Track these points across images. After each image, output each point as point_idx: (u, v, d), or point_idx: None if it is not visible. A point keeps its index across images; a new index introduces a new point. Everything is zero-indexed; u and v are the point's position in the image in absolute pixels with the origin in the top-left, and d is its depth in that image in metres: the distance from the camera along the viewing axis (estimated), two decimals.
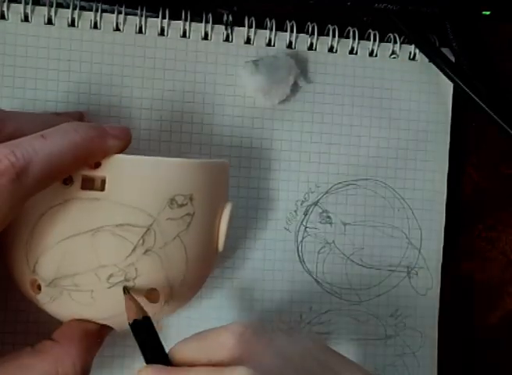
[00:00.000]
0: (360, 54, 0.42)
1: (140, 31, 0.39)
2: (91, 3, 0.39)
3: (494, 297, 0.44)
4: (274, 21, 0.40)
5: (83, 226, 0.30)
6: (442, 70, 0.41)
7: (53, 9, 0.38)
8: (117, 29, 0.39)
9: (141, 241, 0.30)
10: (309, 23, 0.41)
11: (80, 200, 0.30)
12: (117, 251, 0.30)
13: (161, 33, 0.39)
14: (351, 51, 0.41)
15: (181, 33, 0.40)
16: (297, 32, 0.41)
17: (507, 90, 0.44)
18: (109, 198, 0.30)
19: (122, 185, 0.30)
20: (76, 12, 0.38)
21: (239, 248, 0.40)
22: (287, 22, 0.41)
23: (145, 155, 0.32)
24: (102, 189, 0.30)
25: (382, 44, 0.42)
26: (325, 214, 0.41)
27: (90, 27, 0.39)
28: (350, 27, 0.41)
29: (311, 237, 0.41)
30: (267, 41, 0.40)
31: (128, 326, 0.30)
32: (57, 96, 0.38)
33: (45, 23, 0.38)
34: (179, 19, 0.39)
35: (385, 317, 0.42)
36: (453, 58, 0.42)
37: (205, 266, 0.35)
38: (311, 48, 0.41)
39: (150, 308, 0.31)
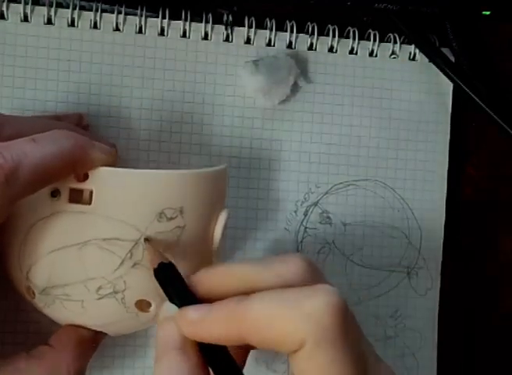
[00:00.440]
0: (360, 54, 0.41)
1: (140, 31, 0.39)
2: (91, 3, 0.39)
3: (494, 297, 0.44)
4: (274, 21, 0.40)
5: (71, 240, 0.29)
6: (442, 70, 0.41)
7: (53, 9, 0.38)
8: (117, 29, 0.39)
9: (129, 255, 0.30)
10: (309, 23, 0.41)
11: (67, 213, 0.29)
12: (104, 265, 0.30)
13: (161, 33, 0.39)
14: (351, 52, 0.41)
15: (181, 33, 0.40)
16: (297, 32, 0.41)
17: (507, 90, 0.44)
18: (96, 211, 0.29)
19: (108, 198, 0.29)
20: (76, 12, 0.38)
21: (239, 248, 0.40)
22: (287, 22, 0.41)
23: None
24: (90, 202, 0.29)
25: (382, 44, 0.42)
26: (324, 214, 0.41)
27: (90, 27, 0.39)
28: (350, 27, 0.41)
29: (311, 237, 0.41)
30: (267, 41, 0.40)
31: (123, 332, 0.29)
32: (57, 96, 0.38)
33: (45, 23, 0.38)
34: (179, 19, 0.39)
35: (385, 318, 0.42)
36: (453, 58, 0.41)
37: None
38: (311, 48, 0.41)
39: (143, 318, 0.31)
